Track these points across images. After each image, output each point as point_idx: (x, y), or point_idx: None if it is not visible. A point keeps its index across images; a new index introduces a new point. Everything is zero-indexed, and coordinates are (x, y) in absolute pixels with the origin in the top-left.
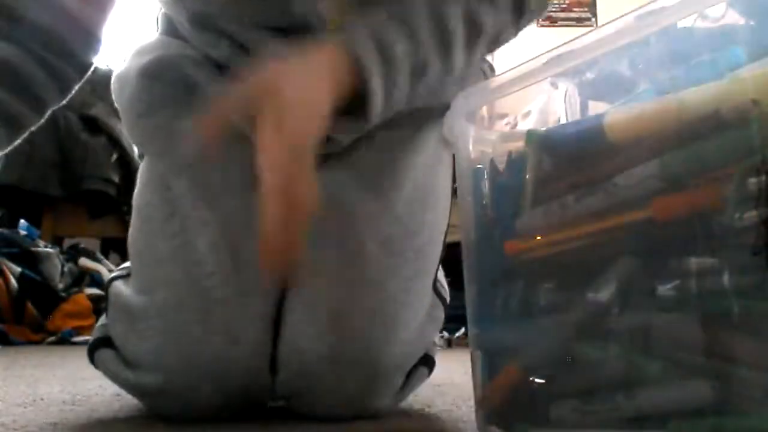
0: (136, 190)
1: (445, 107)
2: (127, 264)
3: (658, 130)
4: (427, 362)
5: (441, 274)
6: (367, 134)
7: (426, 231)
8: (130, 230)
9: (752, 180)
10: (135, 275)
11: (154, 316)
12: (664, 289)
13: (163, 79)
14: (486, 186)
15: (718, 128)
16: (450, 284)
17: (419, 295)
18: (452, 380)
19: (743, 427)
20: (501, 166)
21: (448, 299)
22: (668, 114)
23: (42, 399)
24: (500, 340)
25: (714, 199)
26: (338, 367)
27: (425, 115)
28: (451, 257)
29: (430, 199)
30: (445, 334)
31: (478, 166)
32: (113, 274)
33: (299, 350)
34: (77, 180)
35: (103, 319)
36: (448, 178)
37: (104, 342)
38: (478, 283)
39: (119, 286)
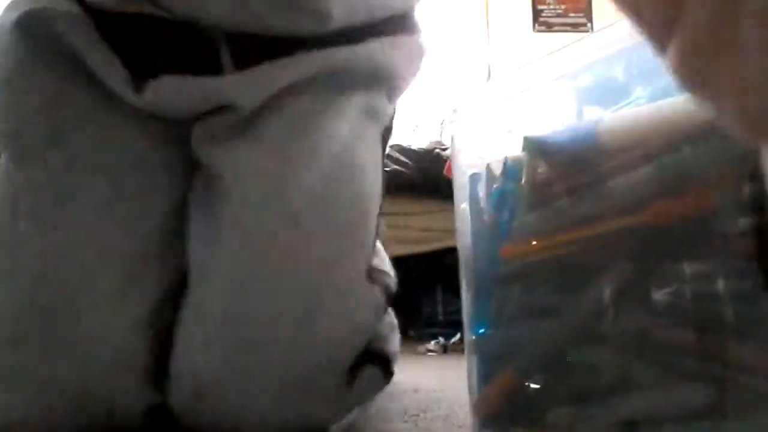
0: None
1: (370, 73)
2: None
3: (652, 136)
4: (376, 360)
5: (380, 261)
6: (275, 102)
7: (345, 208)
8: None
9: (746, 186)
10: None
11: (7, 329)
12: (659, 294)
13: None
14: (482, 191)
15: (712, 134)
16: (445, 289)
17: (341, 282)
18: (448, 386)
19: (735, 430)
20: (497, 172)
21: (394, 288)
22: (662, 120)
23: None
24: (495, 345)
25: (708, 205)
26: (240, 380)
27: (343, 82)
28: (448, 262)
29: (350, 174)
30: (441, 339)
31: (475, 171)
32: None
33: (189, 365)
34: None
35: None
36: (376, 154)
37: None
38: (474, 288)
39: None
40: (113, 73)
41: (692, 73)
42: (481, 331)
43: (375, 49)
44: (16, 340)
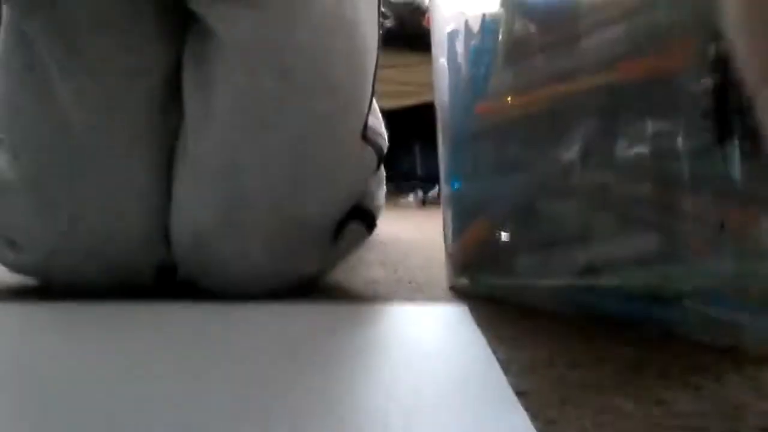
0: None
1: None
2: None
3: None
4: (362, 216)
5: (376, 121)
6: None
7: (339, 63)
8: None
9: (711, 46)
10: (6, 137)
11: (23, 188)
12: (623, 150)
13: None
14: (460, 47)
15: None
16: (423, 145)
17: (334, 140)
18: (424, 237)
19: (686, 273)
20: (475, 28)
21: (385, 148)
22: None
23: None
24: (470, 198)
25: (675, 65)
26: (235, 233)
27: None
28: (425, 118)
29: (345, 29)
30: (420, 193)
31: (453, 28)
32: None
33: (188, 221)
34: None
35: None
36: (372, 8)
37: None
38: (451, 143)
39: None
40: None
41: None
42: (457, 185)
43: None
44: (45, 181)
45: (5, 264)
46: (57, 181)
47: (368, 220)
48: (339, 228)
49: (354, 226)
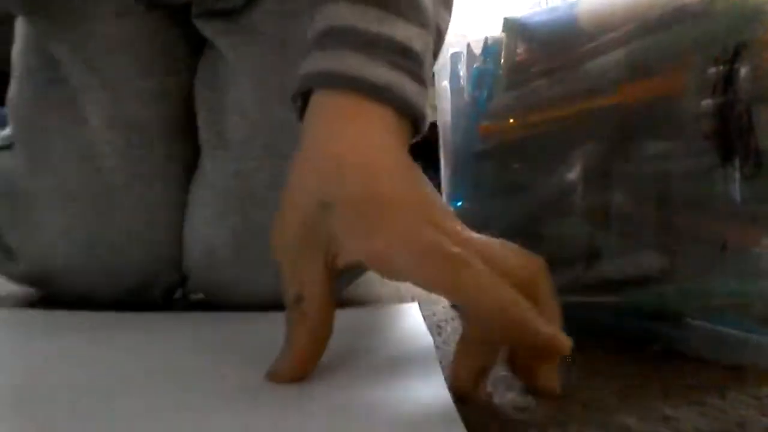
0: (15, 45)
1: None
2: (7, 132)
3: (627, 19)
4: None
5: None
6: None
7: None
8: (10, 91)
9: (712, 69)
10: (22, 148)
11: (45, 206)
12: (625, 171)
13: None
14: (462, 70)
15: (684, 18)
16: (425, 165)
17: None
18: None
19: (684, 291)
20: (477, 51)
21: None
22: (638, 3)
23: None
24: (471, 218)
25: (675, 87)
26: (247, 258)
27: None
28: (428, 138)
29: None
30: None
31: (455, 50)
32: None
33: (201, 240)
34: None
35: None
36: None
37: None
38: (452, 164)
39: (2, 159)
40: None
41: None
42: (459, 204)
43: None
44: (72, 197)
45: (6, 275)
46: (81, 202)
47: None
48: None
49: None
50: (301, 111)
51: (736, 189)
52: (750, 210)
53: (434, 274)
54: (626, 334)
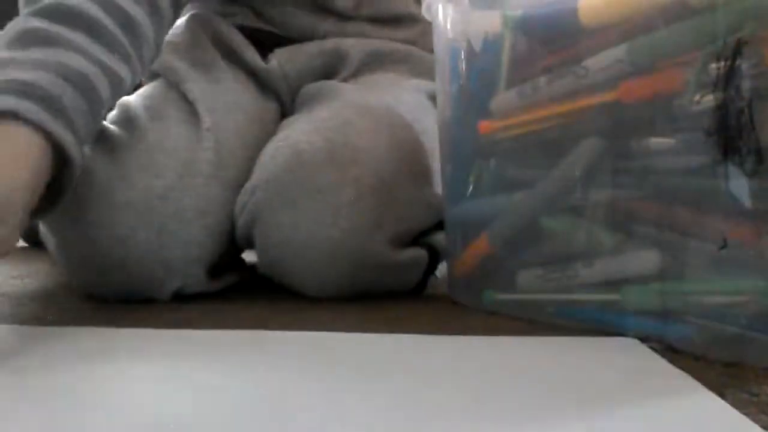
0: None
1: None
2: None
3: (628, 15)
4: (429, 248)
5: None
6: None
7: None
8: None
9: (713, 65)
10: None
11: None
12: (625, 168)
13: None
14: (463, 66)
15: (685, 14)
16: None
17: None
18: None
19: (683, 289)
20: (477, 47)
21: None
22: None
23: None
24: (472, 215)
25: (676, 83)
26: (335, 167)
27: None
28: None
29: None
30: None
31: (456, 46)
32: None
33: (290, 142)
34: None
35: None
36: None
37: None
38: (453, 161)
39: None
40: (247, 50)
41: None
42: (459, 203)
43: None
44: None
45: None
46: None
47: (432, 255)
48: (411, 242)
49: (419, 252)
50: None
51: (737, 186)
52: (751, 207)
53: None
54: (625, 333)
